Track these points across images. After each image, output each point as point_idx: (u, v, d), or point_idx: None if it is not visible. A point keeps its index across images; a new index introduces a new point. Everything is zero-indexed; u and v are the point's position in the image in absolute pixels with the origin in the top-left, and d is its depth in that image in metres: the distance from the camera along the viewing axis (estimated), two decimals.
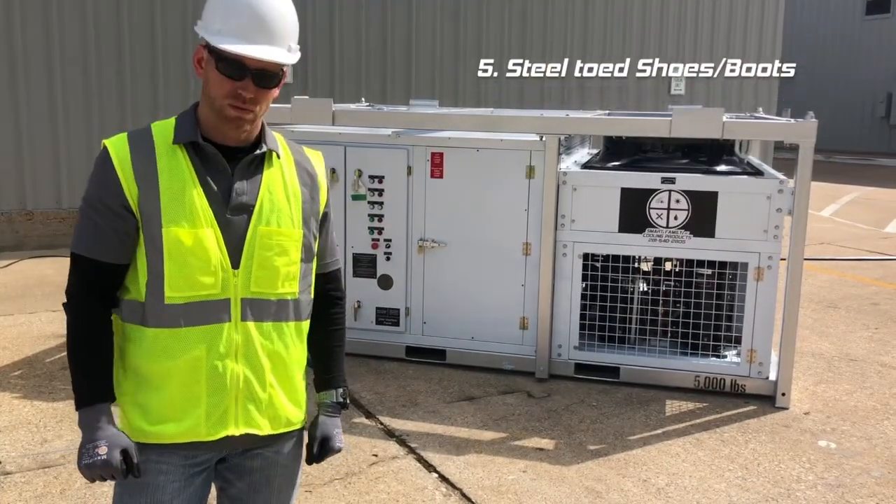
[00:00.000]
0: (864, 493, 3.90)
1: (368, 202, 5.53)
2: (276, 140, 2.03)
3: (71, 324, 1.93)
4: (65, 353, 5.84)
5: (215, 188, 1.90)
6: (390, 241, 5.54)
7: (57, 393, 4.91)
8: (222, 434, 1.93)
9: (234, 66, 1.84)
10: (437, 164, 5.41)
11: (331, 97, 6.96)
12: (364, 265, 5.59)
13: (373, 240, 5.56)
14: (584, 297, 5.25)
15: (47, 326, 6.21)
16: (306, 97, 5.79)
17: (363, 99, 8.40)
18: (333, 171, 5.52)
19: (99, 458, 1.82)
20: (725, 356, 5.17)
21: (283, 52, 1.89)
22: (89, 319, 1.92)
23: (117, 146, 1.89)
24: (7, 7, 8.87)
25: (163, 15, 9.67)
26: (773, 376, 5.02)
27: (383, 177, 5.49)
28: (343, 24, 11.05)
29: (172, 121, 1.96)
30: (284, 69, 1.93)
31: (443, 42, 11.92)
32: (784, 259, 4.95)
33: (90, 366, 1.91)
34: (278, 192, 1.97)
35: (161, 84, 9.74)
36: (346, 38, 11.10)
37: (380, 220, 5.53)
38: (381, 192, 5.51)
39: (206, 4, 1.93)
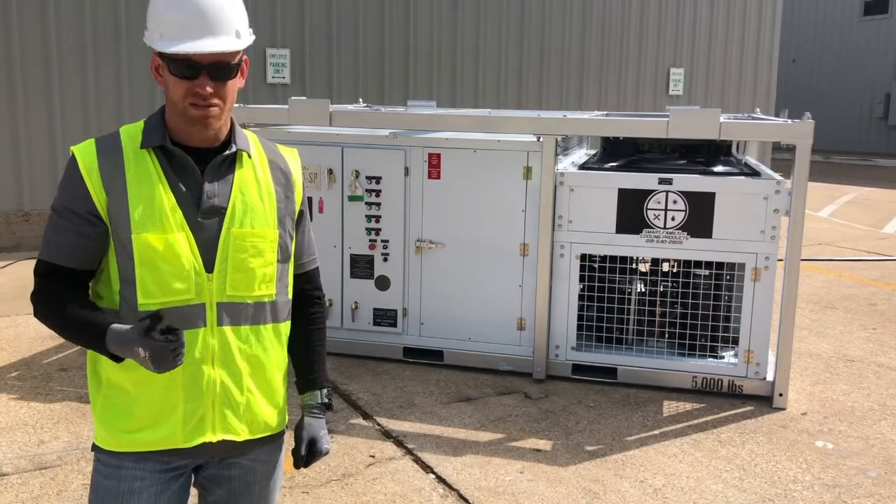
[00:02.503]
0: (860, 494, 3.90)
1: (366, 203, 5.53)
2: (248, 139, 1.99)
3: (49, 316, 1.87)
4: (62, 355, 5.86)
5: (186, 191, 1.87)
6: (387, 241, 5.54)
7: (54, 394, 4.90)
8: (199, 441, 1.91)
9: (186, 66, 1.81)
10: (434, 165, 5.41)
11: (328, 98, 6.96)
12: (361, 266, 5.59)
13: (370, 241, 5.55)
14: (581, 297, 5.26)
15: (44, 328, 6.17)
16: (303, 98, 5.79)
17: (361, 100, 8.41)
18: (331, 171, 5.52)
19: (142, 357, 1.71)
20: (723, 357, 5.17)
21: (231, 40, 1.84)
22: (61, 300, 1.85)
23: (84, 153, 1.87)
24: (4, 8, 8.87)
25: None
26: (770, 377, 5.03)
27: (380, 178, 5.49)
28: (341, 24, 11.05)
29: (141, 124, 1.93)
30: (244, 58, 1.91)
31: (440, 42, 11.93)
32: (781, 260, 4.95)
33: (85, 316, 1.83)
34: (251, 193, 1.93)
35: (158, 85, 9.72)
36: (344, 38, 11.10)
37: (377, 221, 5.53)
38: (378, 192, 5.50)
39: (147, 12, 1.91)
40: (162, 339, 1.66)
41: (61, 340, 5.90)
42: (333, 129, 5.57)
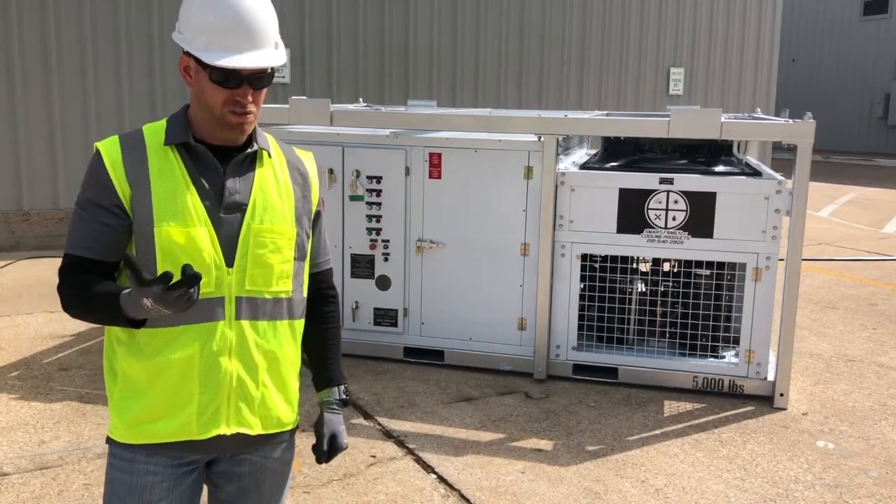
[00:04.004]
0: (861, 494, 3.90)
1: (366, 203, 5.53)
2: (267, 140, 2.05)
3: (74, 303, 1.86)
4: (62, 355, 5.85)
5: (208, 187, 1.91)
6: (388, 241, 5.53)
7: (54, 394, 4.90)
8: (213, 433, 1.93)
9: (230, 77, 1.86)
10: (435, 165, 5.41)
11: (329, 98, 6.95)
12: (362, 266, 5.59)
13: (371, 240, 5.55)
14: (582, 297, 5.25)
15: (44, 327, 6.20)
16: (304, 98, 5.79)
17: (361, 99, 8.40)
18: (331, 171, 5.52)
19: (155, 308, 1.68)
20: (724, 357, 5.17)
21: (272, 53, 1.91)
22: (83, 284, 1.85)
23: (109, 148, 1.91)
24: (4, 8, 8.86)
25: (160, 15, 9.66)
26: (771, 377, 5.03)
27: (381, 177, 5.49)
28: (341, 24, 11.04)
29: (163, 122, 1.97)
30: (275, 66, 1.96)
31: (441, 42, 11.92)
32: (782, 259, 4.95)
33: (103, 290, 1.82)
34: (270, 191, 1.98)
35: (158, 84, 9.74)
36: (345, 38, 11.09)
37: (378, 221, 5.53)
38: (379, 192, 5.50)
39: (180, 13, 1.92)
40: (157, 287, 1.63)
41: (61, 340, 5.90)
42: (334, 129, 5.56)
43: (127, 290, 1.77)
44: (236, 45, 1.85)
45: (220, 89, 1.87)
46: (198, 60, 1.87)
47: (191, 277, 1.63)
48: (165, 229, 1.86)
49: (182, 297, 1.65)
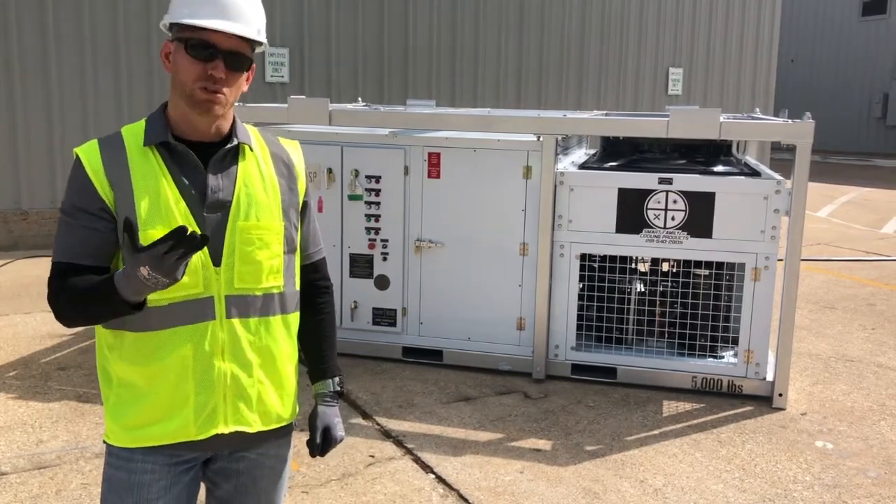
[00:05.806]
0: (860, 494, 3.90)
1: (365, 202, 5.52)
2: (249, 133, 2.01)
3: (67, 306, 1.83)
4: (60, 354, 5.84)
5: (190, 187, 1.89)
6: (387, 241, 5.53)
7: (52, 393, 4.89)
8: (212, 433, 1.92)
9: (205, 47, 1.84)
10: (434, 165, 5.40)
11: (328, 97, 6.94)
12: (361, 265, 5.58)
13: (369, 240, 5.55)
14: (581, 297, 5.25)
15: (42, 326, 6.19)
16: (303, 97, 5.78)
17: (360, 99, 8.40)
18: (330, 170, 5.51)
19: (153, 277, 1.63)
20: (722, 357, 5.17)
21: (254, 32, 1.90)
22: (74, 284, 1.83)
23: (88, 153, 1.88)
24: (3, 6, 8.85)
25: (159, 15, 9.65)
26: (770, 377, 5.02)
27: (380, 177, 5.48)
28: (340, 23, 11.04)
29: (142, 123, 1.94)
30: (256, 50, 1.94)
31: (440, 42, 11.92)
32: (781, 259, 4.95)
33: (95, 282, 1.79)
34: (255, 186, 1.95)
35: (157, 84, 9.73)
36: (344, 37, 11.09)
37: (376, 221, 5.52)
38: (377, 192, 5.50)
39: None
40: (160, 246, 1.59)
41: (60, 339, 5.89)
42: (333, 129, 5.56)
43: (120, 270, 1.72)
44: (216, 14, 1.84)
45: (195, 63, 1.84)
46: (178, 39, 1.85)
47: (190, 237, 1.58)
48: (151, 233, 1.82)
49: (181, 259, 1.61)
